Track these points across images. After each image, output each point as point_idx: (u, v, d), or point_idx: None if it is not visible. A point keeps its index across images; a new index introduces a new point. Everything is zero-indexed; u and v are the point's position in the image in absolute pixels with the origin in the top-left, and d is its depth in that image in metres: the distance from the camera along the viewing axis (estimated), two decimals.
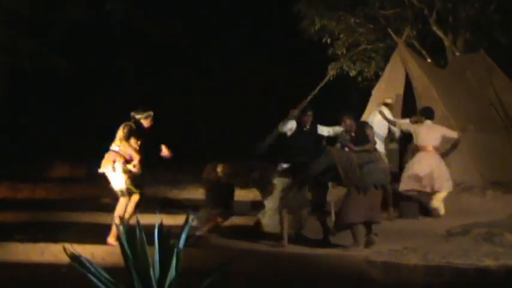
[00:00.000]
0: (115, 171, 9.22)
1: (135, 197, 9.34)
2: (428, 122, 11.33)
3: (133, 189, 9.26)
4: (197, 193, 13.94)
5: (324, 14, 17.04)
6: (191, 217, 5.57)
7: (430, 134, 11.24)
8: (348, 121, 9.39)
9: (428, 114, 11.41)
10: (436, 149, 11.26)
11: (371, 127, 9.59)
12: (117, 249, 5.48)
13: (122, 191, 9.27)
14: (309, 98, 12.43)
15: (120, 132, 9.43)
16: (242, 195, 13.67)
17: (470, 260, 8.08)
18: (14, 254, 9.14)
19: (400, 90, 13.30)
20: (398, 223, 10.92)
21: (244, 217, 11.20)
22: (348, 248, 8.81)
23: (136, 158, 9.26)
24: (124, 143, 9.31)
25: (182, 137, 18.01)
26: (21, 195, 14.21)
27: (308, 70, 18.48)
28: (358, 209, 8.83)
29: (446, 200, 11.19)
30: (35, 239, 9.50)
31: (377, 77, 16.48)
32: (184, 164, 15.08)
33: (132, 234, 5.28)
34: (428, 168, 11.04)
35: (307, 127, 10.17)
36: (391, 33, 14.86)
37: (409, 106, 13.05)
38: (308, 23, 17.39)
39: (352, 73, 17.94)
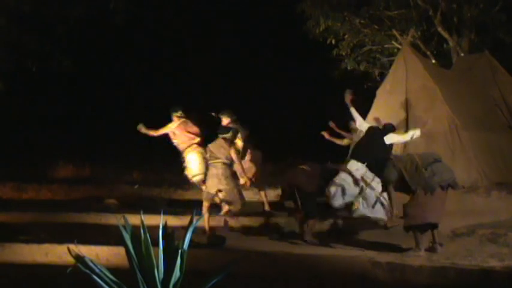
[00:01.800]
0: None
1: None
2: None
3: None
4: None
5: (328, 15, 17.03)
6: (195, 218, 5.57)
7: None
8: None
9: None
10: None
11: None
12: (122, 250, 5.48)
13: None
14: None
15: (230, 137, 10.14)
16: (249, 195, 13.71)
17: (475, 261, 8.07)
18: (19, 254, 9.15)
19: (404, 91, 13.26)
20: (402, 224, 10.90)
21: (253, 218, 11.22)
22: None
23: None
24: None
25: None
26: (26, 195, 14.20)
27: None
28: (425, 210, 8.77)
29: (451, 201, 11.19)
30: (39, 240, 9.51)
31: (382, 77, 16.47)
32: None
33: (136, 235, 5.28)
34: None
35: None
36: (396, 34, 14.84)
37: None
38: (313, 24, 17.39)
39: (357, 73, 17.94)
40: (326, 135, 12.63)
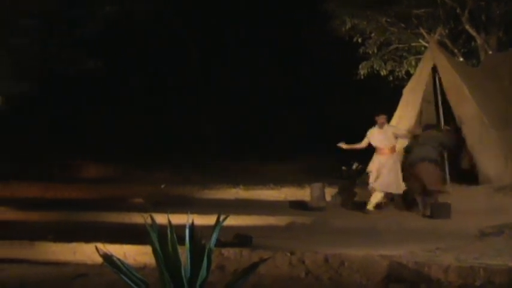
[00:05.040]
0: None
1: None
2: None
3: None
4: (229, 193, 14.02)
5: (355, 14, 16.97)
6: (222, 217, 5.57)
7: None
8: None
9: None
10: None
11: None
12: (149, 249, 5.51)
13: None
14: None
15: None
16: (274, 195, 13.73)
17: (503, 260, 8.00)
18: (48, 253, 9.24)
19: (431, 90, 13.20)
20: (430, 223, 10.86)
21: (279, 217, 11.23)
22: None
23: None
24: None
25: None
26: (54, 195, 14.33)
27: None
28: None
29: (478, 200, 11.17)
30: (67, 239, 9.59)
31: (408, 76, 16.38)
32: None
33: (163, 235, 5.30)
34: None
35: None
36: (423, 32, 14.75)
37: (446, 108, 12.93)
38: (338, 22, 17.33)
39: (383, 72, 17.85)
40: (344, 145, 12.51)
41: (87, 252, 8.70)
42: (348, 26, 17.17)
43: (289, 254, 8.31)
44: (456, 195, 11.52)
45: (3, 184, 14.61)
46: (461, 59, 16.23)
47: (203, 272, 5.23)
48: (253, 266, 5.76)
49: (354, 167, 15.08)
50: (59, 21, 11.86)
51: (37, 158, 16.91)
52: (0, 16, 9.64)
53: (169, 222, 5.34)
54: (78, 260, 8.90)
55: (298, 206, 12.78)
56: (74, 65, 14.67)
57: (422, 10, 16.86)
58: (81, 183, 14.93)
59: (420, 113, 13.11)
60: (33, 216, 11.67)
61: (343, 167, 15.39)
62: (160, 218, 5.72)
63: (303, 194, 13.43)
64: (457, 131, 12.55)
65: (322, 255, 8.32)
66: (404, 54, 17.92)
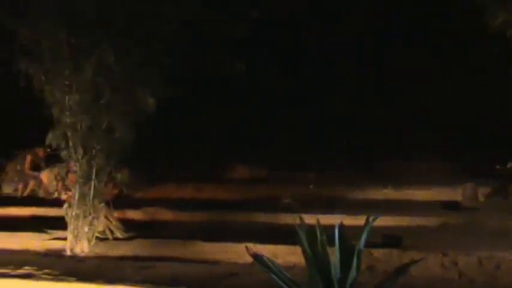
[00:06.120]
0: None
1: None
2: None
3: None
4: (377, 193, 13.86)
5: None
6: (371, 217, 5.52)
7: None
8: None
9: None
10: None
11: None
12: (298, 249, 5.54)
13: None
14: None
15: None
16: (423, 195, 13.47)
17: None
18: (198, 252, 9.47)
19: None
20: None
21: (429, 217, 11.01)
22: None
23: None
24: None
25: None
26: (204, 195, 14.66)
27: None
28: None
29: None
30: (218, 239, 9.80)
31: None
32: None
33: (312, 235, 5.31)
34: None
35: None
36: None
37: None
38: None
39: None
40: None
41: (238, 252, 8.84)
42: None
43: (441, 256, 8.13)
44: None
45: (157, 185, 15.14)
46: None
47: (353, 272, 5.20)
48: (405, 267, 5.68)
49: (509, 165, 14.53)
50: (204, 24, 12.13)
51: (190, 161, 17.37)
52: (146, 21, 10.02)
53: (319, 222, 5.35)
54: (229, 259, 9.07)
55: (450, 206, 12.46)
56: (219, 67, 14.93)
57: None
58: (231, 184, 15.19)
59: None
60: (184, 216, 12.02)
61: (498, 166, 14.86)
62: (309, 219, 5.73)
63: (454, 194, 13.07)
64: None
65: (475, 258, 8.08)
66: None
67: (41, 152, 15.11)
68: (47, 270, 8.59)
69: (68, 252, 9.86)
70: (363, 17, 18.11)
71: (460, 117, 20.09)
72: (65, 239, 10.07)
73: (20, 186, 15.35)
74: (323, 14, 17.17)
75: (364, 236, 5.36)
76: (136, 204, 12.61)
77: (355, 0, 17.52)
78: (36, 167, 15.38)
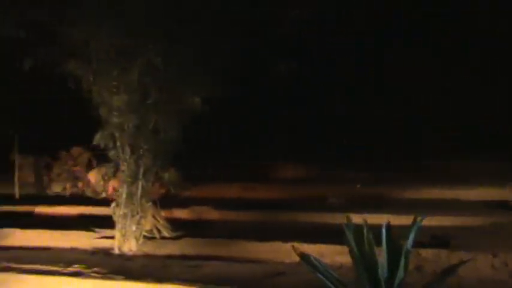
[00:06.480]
0: None
1: None
2: None
3: None
4: (424, 193, 13.73)
5: None
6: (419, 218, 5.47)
7: None
8: None
9: None
10: None
11: None
12: (345, 249, 5.51)
13: None
14: None
15: None
16: (472, 194, 13.30)
17: None
18: (244, 251, 9.49)
19: None
20: None
21: (478, 217, 10.86)
22: None
23: None
24: None
25: None
26: (250, 195, 14.68)
27: None
28: None
29: None
30: (265, 238, 9.80)
31: None
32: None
33: (359, 234, 5.28)
34: None
35: None
36: None
37: None
38: None
39: None
40: None
41: (285, 251, 8.84)
42: None
43: (491, 256, 8.02)
44: None
45: (205, 185, 15.20)
46: None
47: (400, 272, 5.15)
48: (453, 268, 5.61)
49: None
50: (252, 24, 12.13)
51: (236, 160, 17.40)
52: (192, 21, 10.07)
53: (366, 221, 5.32)
54: (275, 259, 9.07)
55: (499, 206, 12.28)
56: (268, 67, 14.92)
57: None
58: (277, 184, 15.18)
59: None
60: (231, 215, 12.06)
61: None
62: (356, 218, 5.70)
63: (504, 193, 12.88)
64: None
65: None
66: None
67: (86, 152, 15.32)
68: (95, 269, 8.69)
69: (116, 251, 9.97)
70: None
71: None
72: (112, 237, 10.17)
73: (68, 185, 15.58)
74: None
75: (411, 236, 5.31)
76: (183, 204, 12.68)
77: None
78: (84, 167, 15.59)
